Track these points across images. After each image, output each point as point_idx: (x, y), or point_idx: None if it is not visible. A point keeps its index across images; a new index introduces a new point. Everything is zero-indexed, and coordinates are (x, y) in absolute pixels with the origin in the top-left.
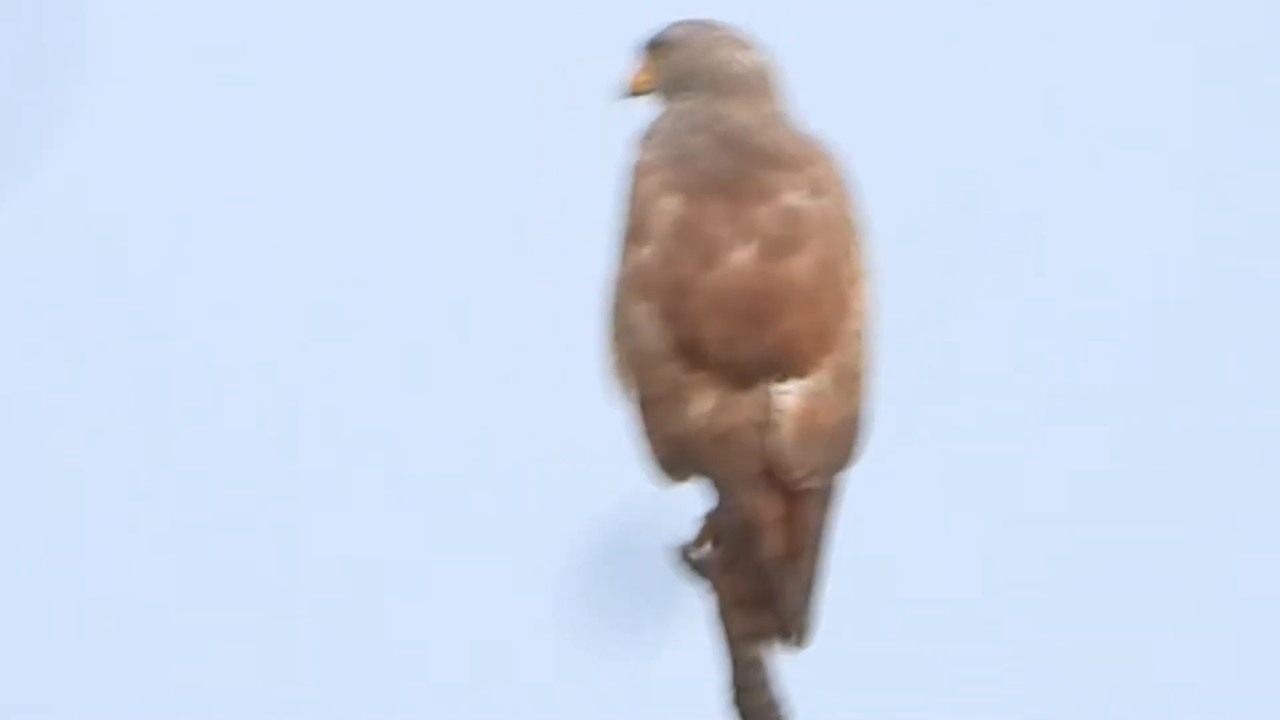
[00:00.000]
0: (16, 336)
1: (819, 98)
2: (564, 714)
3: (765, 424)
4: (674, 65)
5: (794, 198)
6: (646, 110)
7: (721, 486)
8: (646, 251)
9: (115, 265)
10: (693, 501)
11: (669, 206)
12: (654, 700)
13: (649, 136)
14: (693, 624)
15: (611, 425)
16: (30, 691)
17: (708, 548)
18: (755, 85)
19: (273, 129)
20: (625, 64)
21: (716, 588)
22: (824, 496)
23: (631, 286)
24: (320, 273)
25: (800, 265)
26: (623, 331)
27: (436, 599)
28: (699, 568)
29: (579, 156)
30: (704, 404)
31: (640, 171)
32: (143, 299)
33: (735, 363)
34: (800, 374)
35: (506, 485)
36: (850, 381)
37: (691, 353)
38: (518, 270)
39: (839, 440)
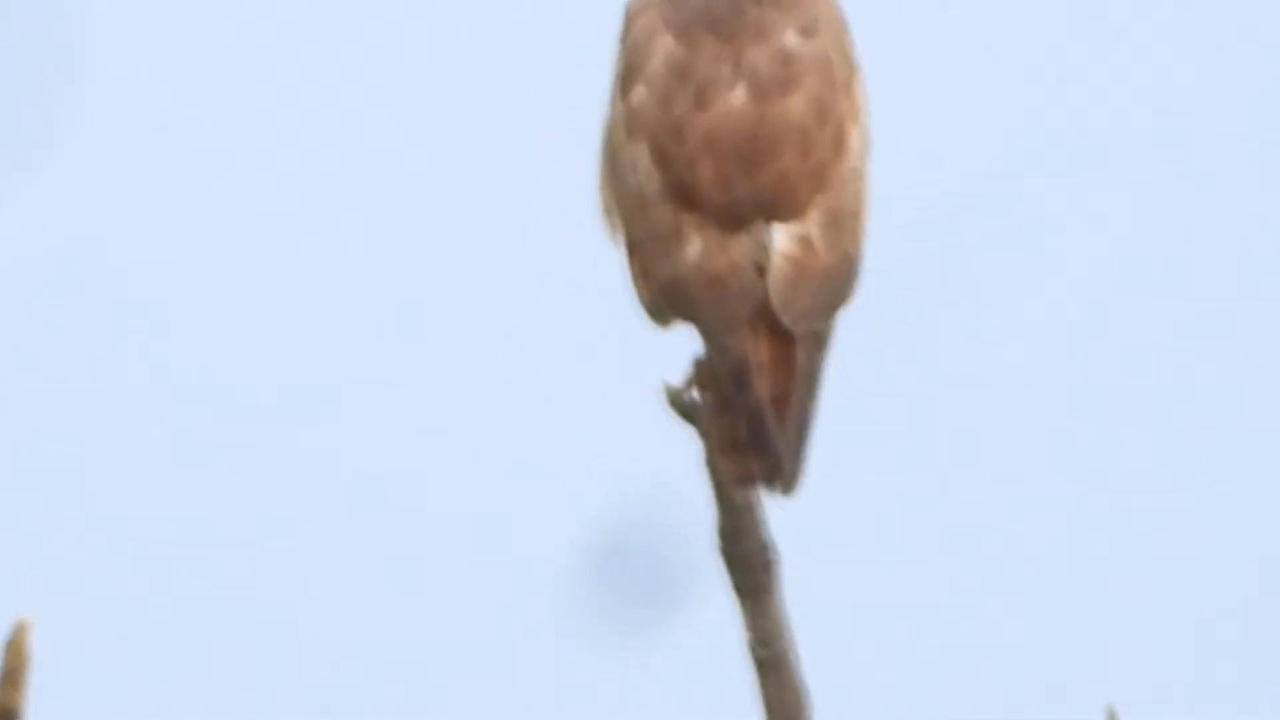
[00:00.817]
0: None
1: None
2: (565, 712)
3: (758, 266)
4: None
5: (788, 36)
6: None
7: (712, 330)
8: (639, 92)
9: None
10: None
11: (661, 46)
12: (656, 696)
13: None
14: (691, 621)
15: (610, 424)
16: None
17: (697, 392)
18: None
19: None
20: None
21: (706, 433)
22: (816, 340)
23: (624, 128)
24: (326, 270)
25: (794, 105)
26: (615, 174)
27: (436, 595)
28: (689, 412)
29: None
30: (696, 246)
31: (633, 12)
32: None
33: (728, 204)
34: (794, 216)
35: (507, 483)
36: (845, 223)
37: (684, 194)
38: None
39: (832, 283)
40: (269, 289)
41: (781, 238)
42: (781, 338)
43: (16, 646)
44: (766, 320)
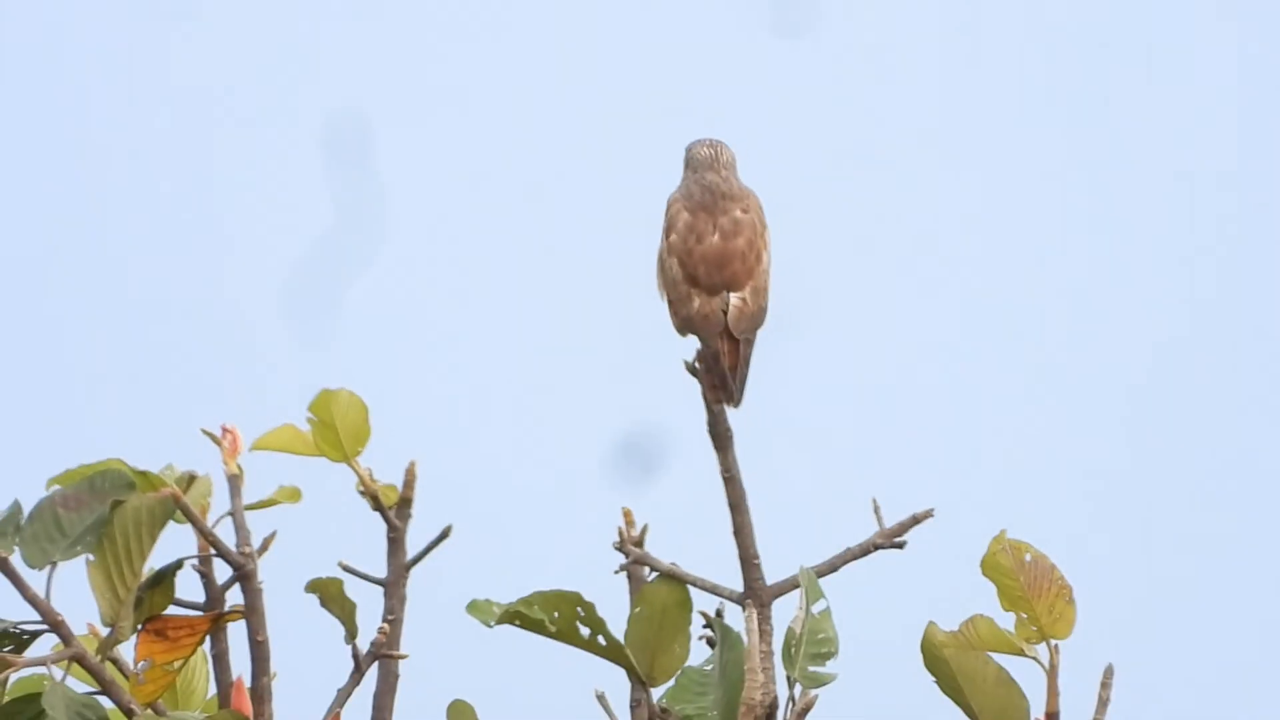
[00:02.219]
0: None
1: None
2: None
3: (723, 311)
4: (688, 159)
5: (737, 212)
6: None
7: (705, 338)
8: (673, 237)
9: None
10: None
11: (682, 216)
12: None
13: (677, 189)
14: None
15: (656, 382)
16: None
17: (698, 363)
18: (721, 164)
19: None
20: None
21: (702, 380)
22: (748, 343)
23: (667, 251)
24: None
25: (739, 243)
26: (662, 271)
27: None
28: (695, 372)
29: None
30: (697, 302)
31: (671, 201)
32: None
33: (710, 285)
34: (739, 289)
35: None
36: (760, 293)
37: (692, 280)
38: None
39: (755, 319)
40: None
41: (734, 299)
42: (734, 341)
43: None
44: (728, 334)
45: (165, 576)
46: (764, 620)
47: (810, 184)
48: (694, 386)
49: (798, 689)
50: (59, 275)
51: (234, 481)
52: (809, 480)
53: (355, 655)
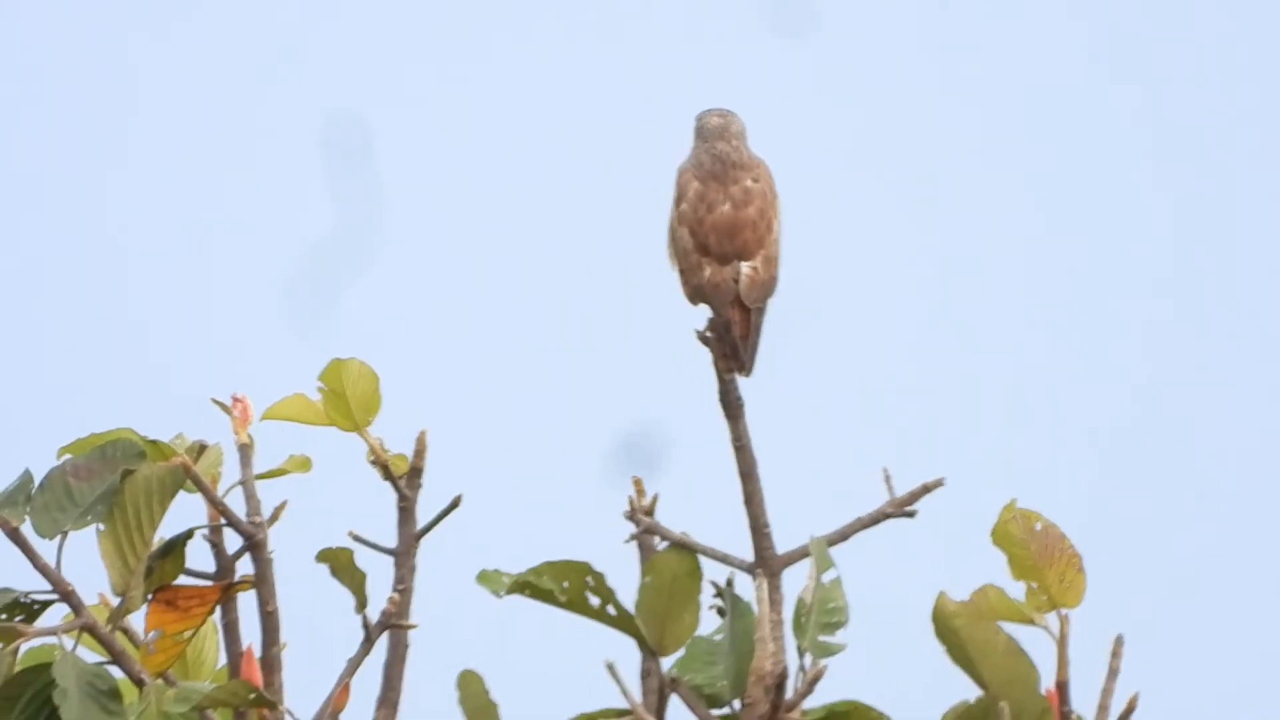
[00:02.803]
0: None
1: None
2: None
3: (735, 280)
4: (698, 129)
5: (747, 181)
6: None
7: (716, 306)
8: (683, 206)
9: None
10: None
11: (693, 186)
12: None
13: (687, 159)
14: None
15: (667, 354)
16: None
17: (709, 331)
18: (732, 134)
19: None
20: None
21: (713, 349)
22: (760, 312)
23: (677, 220)
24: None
25: (750, 212)
26: (673, 240)
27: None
28: (707, 341)
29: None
30: (708, 271)
31: (681, 171)
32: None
33: (721, 254)
34: (750, 258)
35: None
36: (771, 262)
37: (703, 249)
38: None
39: (766, 287)
40: None
41: (745, 268)
42: (745, 310)
43: None
44: (739, 303)
45: (176, 546)
46: (774, 589)
47: (812, 177)
48: (704, 355)
49: (808, 658)
50: (59, 269)
51: (244, 451)
52: (820, 450)
53: (365, 625)
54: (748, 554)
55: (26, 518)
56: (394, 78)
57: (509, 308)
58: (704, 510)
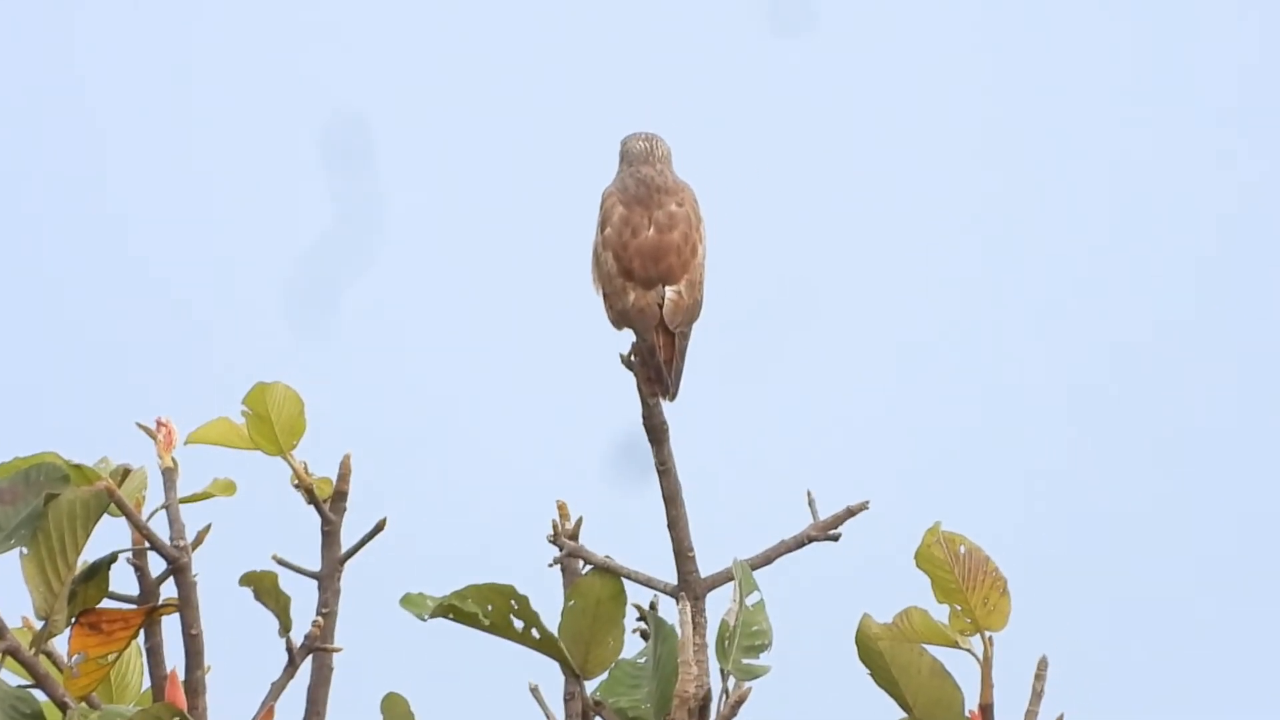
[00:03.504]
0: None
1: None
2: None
3: (659, 304)
4: (623, 152)
5: (672, 206)
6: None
7: (640, 331)
8: (608, 230)
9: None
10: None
11: (617, 210)
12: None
13: (612, 183)
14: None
15: (595, 375)
16: None
17: (634, 356)
18: (657, 158)
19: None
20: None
21: (637, 374)
22: (684, 336)
23: (602, 245)
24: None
25: (674, 236)
26: (597, 265)
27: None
28: (631, 365)
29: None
30: (632, 296)
31: (605, 195)
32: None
33: (646, 278)
34: (674, 283)
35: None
36: (695, 286)
37: (627, 274)
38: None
39: (690, 312)
40: None
41: (669, 292)
42: (669, 334)
43: None
44: (663, 327)
45: (99, 570)
46: (698, 613)
47: (806, 182)
48: (629, 380)
49: (731, 681)
50: (58, 270)
51: (168, 475)
52: (743, 472)
53: (290, 648)
54: (671, 577)
55: None
56: (394, 78)
57: (508, 308)
58: (628, 533)
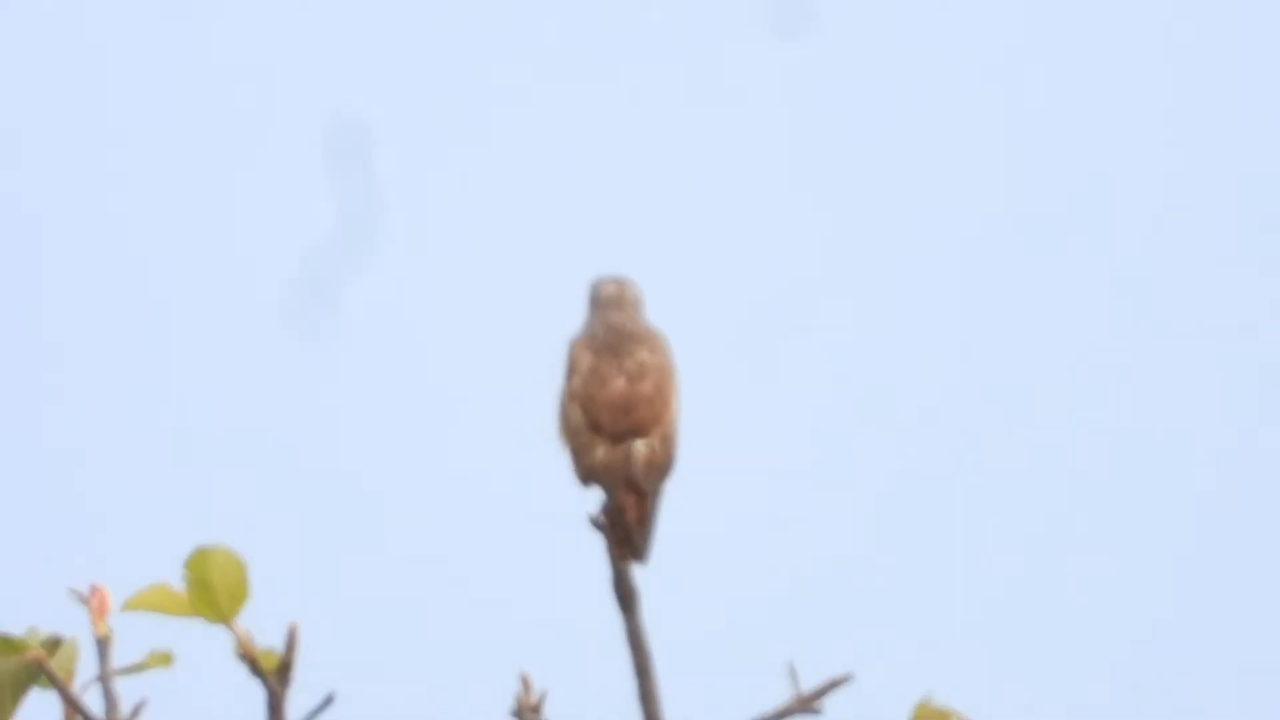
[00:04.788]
0: None
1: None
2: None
3: (628, 460)
4: (592, 298)
5: (643, 355)
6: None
7: (609, 490)
8: (575, 380)
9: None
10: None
11: (585, 359)
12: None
13: (580, 330)
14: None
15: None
16: None
17: (603, 517)
18: (627, 303)
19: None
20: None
21: (606, 536)
22: (655, 495)
23: (568, 397)
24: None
25: (645, 387)
26: (563, 418)
27: None
28: (600, 527)
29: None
30: (601, 451)
31: (572, 343)
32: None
33: (614, 433)
34: (645, 437)
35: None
36: (668, 441)
37: (595, 427)
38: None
39: (662, 470)
40: None
41: (640, 447)
42: (640, 493)
43: None
44: (633, 485)
45: None
46: None
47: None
48: (598, 542)
49: None
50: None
51: (102, 645)
52: (720, 640)
53: None
54: None
55: None
56: (394, 78)
57: (508, 308)
58: (598, 703)
